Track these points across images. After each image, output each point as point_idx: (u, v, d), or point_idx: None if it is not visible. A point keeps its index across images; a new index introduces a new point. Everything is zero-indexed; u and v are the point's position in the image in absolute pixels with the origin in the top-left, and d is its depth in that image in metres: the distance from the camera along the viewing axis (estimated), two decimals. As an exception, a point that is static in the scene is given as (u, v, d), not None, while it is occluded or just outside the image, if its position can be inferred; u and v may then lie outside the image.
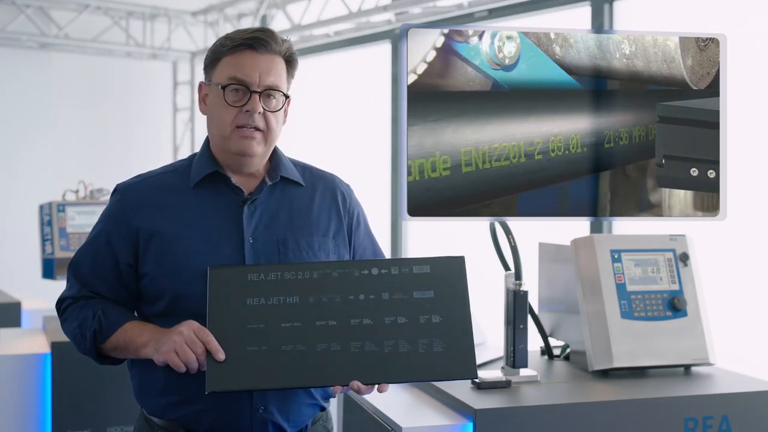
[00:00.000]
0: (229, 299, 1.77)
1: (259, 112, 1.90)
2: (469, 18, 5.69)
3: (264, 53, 1.91)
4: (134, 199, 1.95)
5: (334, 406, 2.31)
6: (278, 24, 7.38)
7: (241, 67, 1.90)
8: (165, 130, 7.99)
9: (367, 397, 2.00)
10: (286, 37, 1.97)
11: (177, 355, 1.75)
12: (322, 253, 1.98)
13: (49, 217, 4.14)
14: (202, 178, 1.96)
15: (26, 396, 3.54)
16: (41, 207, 4.20)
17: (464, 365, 1.73)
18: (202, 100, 1.99)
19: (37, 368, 3.55)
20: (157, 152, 7.96)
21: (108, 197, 4.32)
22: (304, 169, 2.13)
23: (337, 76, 7.37)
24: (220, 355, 1.73)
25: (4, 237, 7.12)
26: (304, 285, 1.79)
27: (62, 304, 1.99)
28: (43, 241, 4.13)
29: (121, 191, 1.97)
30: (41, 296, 5.58)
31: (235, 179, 1.97)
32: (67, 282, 2.00)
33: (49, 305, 5.20)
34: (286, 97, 1.96)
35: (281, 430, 1.90)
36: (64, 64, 7.61)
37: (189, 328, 1.77)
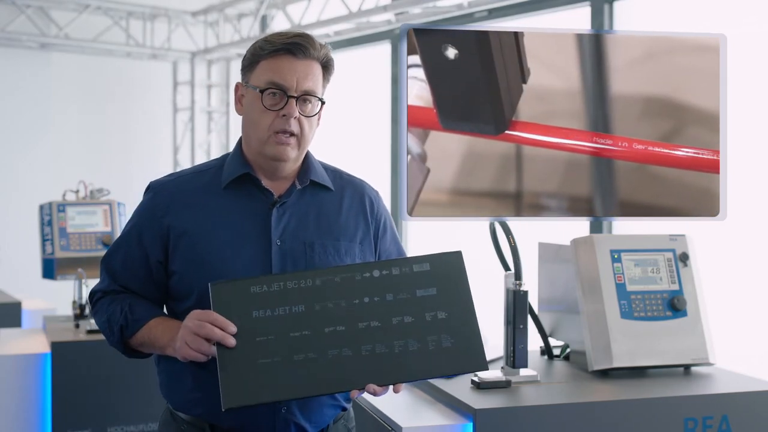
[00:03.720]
0: (235, 313, 1.76)
1: (295, 117, 1.92)
2: (469, 18, 5.69)
3: (302, 59, 1.94)
4: (166, 198, 1.96)
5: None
6: (278, 24, 7.39)
7: (280, 72, 1.92)
8: (165, 130, 7.99)
9: (367, 397, 2.01)
10: (324, 42, 1.99)
11: (190, 348, 1.75)
12: (348, 258, 2.00)
13: (50, 217, 4.14)
14: (233, 179, 1.98)
15: (26, 396, 3.54)
16: (41, 207, 4.20)
17: (474, 358, 1.75)
18: (238, 101, 2.01)
19: (37, 368, 3.55)
20: (157, 152, 7.96)
21: (108, 197, 4.35)
22: (335, 173, 2.15)
23: (337, 76, 7.36)
24: (230, 333, 1.73)
25: (5, 237, 7.12)
26: (308, 293, 1.79)
27: (93, 297, 2.02)
28: (44, 241, 4.13)
29: (154, 189, 1.99)
30: (41, 296, 5.58)
31: (265, 182, 1.99)
32: (100, 275, 2.03)
33: (50, 305, 5.20)
34: (322, 102, 1.99)
35: (303, 429, 1.92)
36: (64, 64, 7.61)
37: (192, 317, 1.78)
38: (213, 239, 1.92)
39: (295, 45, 1.92)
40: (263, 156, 1.95)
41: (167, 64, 8.03)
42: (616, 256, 2.21)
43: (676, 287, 2.23)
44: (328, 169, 2.13)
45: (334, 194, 2.08)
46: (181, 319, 1.87)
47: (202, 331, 1.74)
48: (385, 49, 6.60)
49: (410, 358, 1.73)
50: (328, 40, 6.71)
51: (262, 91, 1.91)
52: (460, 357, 1.74)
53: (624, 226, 4.81)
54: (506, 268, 2.19)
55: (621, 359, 2.13)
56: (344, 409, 2.00)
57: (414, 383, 2.15)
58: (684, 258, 2.25)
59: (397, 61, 6.45)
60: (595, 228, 4.81)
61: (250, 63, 1.96)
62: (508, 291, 2.06)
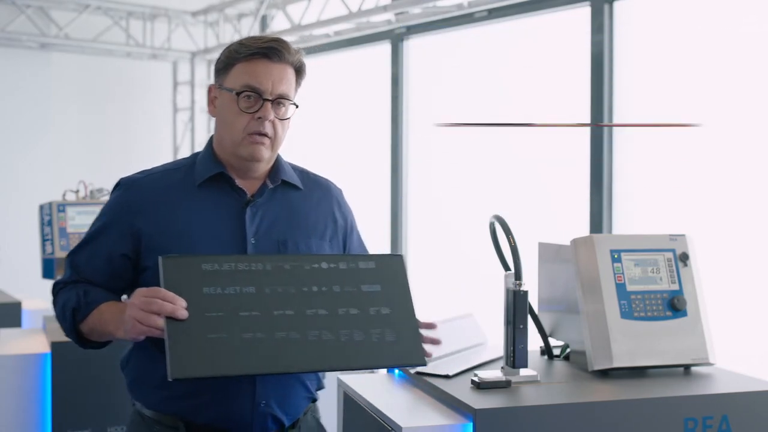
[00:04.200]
0: (186, 288, 1.77)
1: (270, 120, 1.96)
2: (469, 18, 5.69)
3: (277, 62, 1.97)
4: (139, 195, 1.98)
5: (333, 406, 2.31)
6: (278, 24, 7.38)
7: (255, 75, 1.95)
8: (165, 130, 7.99)
9: (367, 397, 2.02)
10: (298, 48, 2.03)
11: (142, 324, 1.74)
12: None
13: (50, 217, 4.14)
14: (206, 178, 2.00)
15: (26, 396, 3.54)
16: (41, 207, 4.20)
17: (415, 353, 1.89)
18: (211, 103, 2.04)
19: (37, 368, 3.55)
20: (157, 152, 7.96)
21: (108, 197, 4.34)
22: (302, 173, 2.20)
23: (337, 76, 7.37)
24: (181, 307, 1.72)
25: (5, 237, 7.12)
26: (259, 276, 1.82)
27: (55, 288, 2.04)
28: (43, 241, 4.13)
29: (126, 185, 2.01)
30: (41, 296, 5.58)
31: (238, 181, 2.02)
32: (64, 270, 2.05)
33: (50, 305, 5.20)
34: (296, 106, 2.03)
35: (279, 422, 1.97)
36: (64, 64, 7.61)
37: (138, 295, 1.78)
38: (189, 237, 1.95)
39: (270, 49, 1.96)
40: (237, 156, 1.99)
41: (167, 64, 8.03)
42: (616, 256, 2.21)
43: (676, 287, 2.23)
44: (295, 168, 2.19)
45: (303, 193, 2.13)
46: None
47: (152, 307, 1.72)
48: (385, 49, 6.60)
49: (355, 347, 1.81)
50: (328, 40, 6.71)
51: (238, 94, 1.95)
52: (402, 351, 1.87)
53: (624, 227, 4.81)
54: (506, 268, 2.19)
55: (621, 359, 2.13)
56: (314, 400, 2.09)
57: (414, 383, 2.15)
58: (684, 258, 2.25)
59: (397, 61, 6.45)
60: (595, 228, 4.82)
61: (224, 66, 1.99)
62: (508, 291, 2.05)
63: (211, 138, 2.10)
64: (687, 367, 2.21)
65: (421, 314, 2.02)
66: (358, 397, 2.08)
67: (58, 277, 2.13)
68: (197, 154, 2.11)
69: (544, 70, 5.41)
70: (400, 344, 1.87)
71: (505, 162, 5.70)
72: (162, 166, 2.10)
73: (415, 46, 6.41)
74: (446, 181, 6.20)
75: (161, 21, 7.63)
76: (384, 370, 2.29)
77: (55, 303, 2.03)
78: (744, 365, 2.52)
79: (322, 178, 2.27)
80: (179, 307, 1.72)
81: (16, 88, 7.42)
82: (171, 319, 1.72)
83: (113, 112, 7.82)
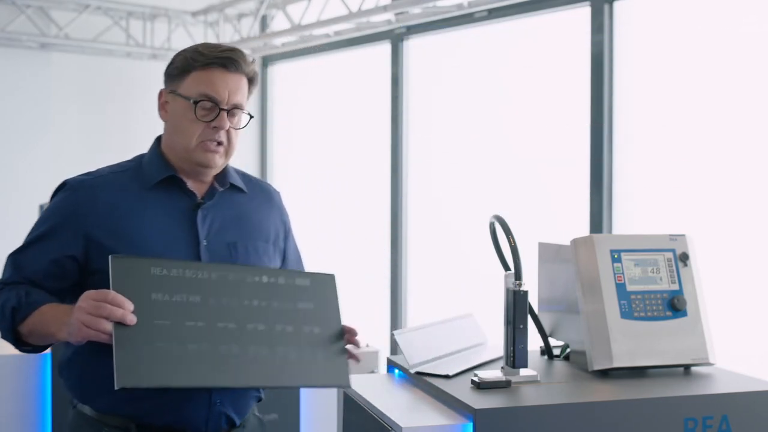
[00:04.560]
0: (135, 292, 1.75)
1: (225, 129, 2.00)
2: (469, 18, 5.69)
3: (233, 72, 2.00)
4: (88, 197, 1.98)
5: (333, 406, 2.31)
6: (278, 24, 7.39)
7: (212, 84, 1.98)
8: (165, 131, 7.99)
9: (367, 397, 2.02)
10: (252, 58, 2.09)
11: (89, 329, 1.72)
12: (266, 258, 2.11)
13: (49, 217, 4.13)
14: (157, 181, 2.03)
15: (26, 396, 3.54)
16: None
17: (341, 375, 1.93)
18: (163, 107, 2.05)
19: (37, 368, 3.55)
20: (157, 152, 7.96)
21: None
22: (244, 176, 2.24)
23: (337, 76, 7.37)
24: (129, 312, 1.70)
25: (5, 237, 7.12)
26: (205, 285, 1.82)
27: None
28: (43, 241, 4.13)
29: (73, 187, 2.00)
30: (41, 296, 5.59)
31: (189, 184, 2.05)
32: (4, 270, 2.02)
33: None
34: (250, 116, 2.07)
35: (231, 421, 2.02)
36: (64, 64, 7.60)
37: (87, 298, 1.76)
38: (142, 240, 1.95)
39: (228, 59, 1.98)
40: (190, 162, 2.02)
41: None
42: (616, 256, 2.21)
43: (676, 287, 2.23)
44: (239, 173, 2.21)
45: (248, 196, 2.16)
46: None
47: (101, 311, 1.70)
48: (385, 49, 6.60)
49: (289, 366, 1.83)
50: (328, 40, 6.71)
51: (195, 102, 1.97)
52: (329, 372, 1.90)
53: (624, 227, 4.81)
54: (506, 268, 2.19)
55: (621, 359, 2.13)
56: (260, 399, 2.14)
57: (414, 383, 2.15)
58: (684, 258, 2.25)
59: (397, 61, 6.45)
60: (595, 228, 4.82)
61: (180, 72, 2.01)
62: (508, 291, 2.05)
63: (158, 140, 2.12)
64: (687, 367, 2.21)
65: (348, 320, 2.05)
66: (358, 397, 2.08)
67: None
68: (142, 156, 2.12)
69: (544, 70, 5.41)
70: (328, 365, 1.90)
71: (505, 162, 5.70)
72: (107, 167, 2.10)
73: (415, 46, 6.41)
74: (446, 181, 6.20)
75: (161, 21, 7.62)
76: (384, 370, 2.29)
77: None
78: (744, 365, 2.52)
79: (263, 182, 2.30)
80: (128, 312, 1.70)
81: (16, 88, 7.42)
82: (119, 324, 1.70)
83: (113, 112, 7.82)
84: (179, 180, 2.04)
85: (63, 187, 2.04)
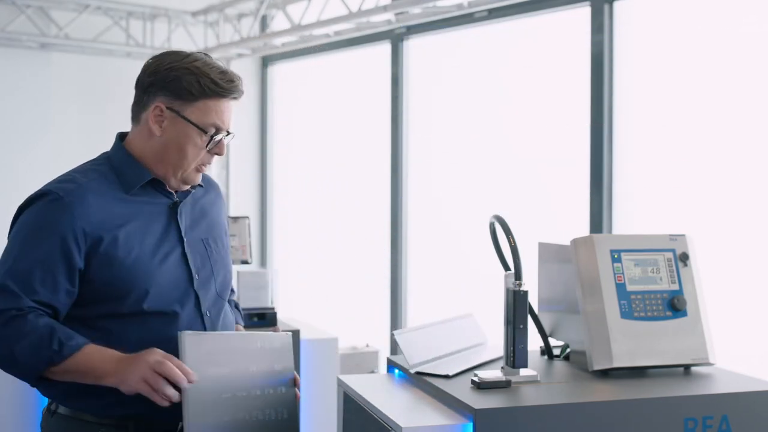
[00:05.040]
0: (201, 365, 1.89)
1: (222, 155, 2.08)
2: (469, 18, 5.69)
3: (234, 101, 2.03)
4: (80, 203, 1.92)
5: (332, 406, 2.31)
6: (278, 24, 7.39)
7: (222, 115, 1.99)
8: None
9: (367, 397, 2.02)
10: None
11: (148, 384, 1.78)
12: (225, 252, 2.17)
13: (49, 217, 4.13)
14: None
15: (26, 396, 3.54)
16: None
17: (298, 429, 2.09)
18: (157, 122, 2.00)
19: (37, 368, 3.55)
20: (157, 152, 7.96)
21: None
22: None
23: (337, 76, 7.37)
24: (195, 382, 1.82)
25: (5, 237, 7.11)
26: (248, 355, 2.01)
27: (9, 311, 1.85)
28: (43, 241, 4.12)
29: (63, 195, 1.93)
30: (41, 296, 5.58)
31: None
32: (4, 294, 1.87)
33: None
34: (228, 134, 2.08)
35: None
36: (64, 64, 7.60)
37: (155, 354, 1.81)
38: (136, 243, 1.95)
39: (239, 92, 2.01)
40: (176, 178, 2.02)
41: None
42: (616, 256, 2.21)
43: (676, 287, 2.23)
44: None
45: (204, 191, 2.17)
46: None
47: (171, 374, 1.80)
48: (385, 49, 6.60)
49: (272, 426, 2.00)
50: (328, 40, 6.71)
51: (209, 134, 1.98)
52: (290, 429, 2.06)
53: (624, 227, 4.81)
54: (506, 268, 2.19)
55: (621, 359, 2.13)
56: None
57: (414, 383, 2.15)
58: (684, 258, 2.25)
59: (397, 61, 6.45)
60: (595, 228, 4.82)
61: (188, 94, 1.96)
62: (508, 291, 2.05)
63: (123, 142, 2.09)
64: (687, 367, 2.21)
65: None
66: (358, 397, 2.08)
67: None
68: (107, 157, 2.08)
69: (544, 70, 5.41)
70: (290, 424, 2.07)
71: (505, 162, 5.70)
72: (79, 172, 2.02)
73: (415, 46, 6.41)
74: (446, 181, 6.20)
75: (161, 21, 7.62)
76: (384, 370, 2.29)
77: (6, 336, 1.84)
78: (744, 365, 2.52)
79: (208, 175, 2.28)
80: (191, 380, 1.82)
81: (16, 88, 7.42)
82: (186, 392, 1.83)
83: (113, 112, 7.80)
84: (159, 183, 2.05)
85: (46, 197, 1.96)
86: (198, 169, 2.04)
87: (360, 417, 2.08)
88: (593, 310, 2.18)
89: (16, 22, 7.00)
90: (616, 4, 4.85)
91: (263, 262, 8.10)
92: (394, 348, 5.89)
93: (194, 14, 7.69)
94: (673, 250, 2.26)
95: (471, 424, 1.81)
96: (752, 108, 4.24)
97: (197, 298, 2.04)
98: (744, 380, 2.12)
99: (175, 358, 1.81)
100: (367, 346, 6.50)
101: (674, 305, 2.20)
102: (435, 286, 6.29)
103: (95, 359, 1.85)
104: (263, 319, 3.93)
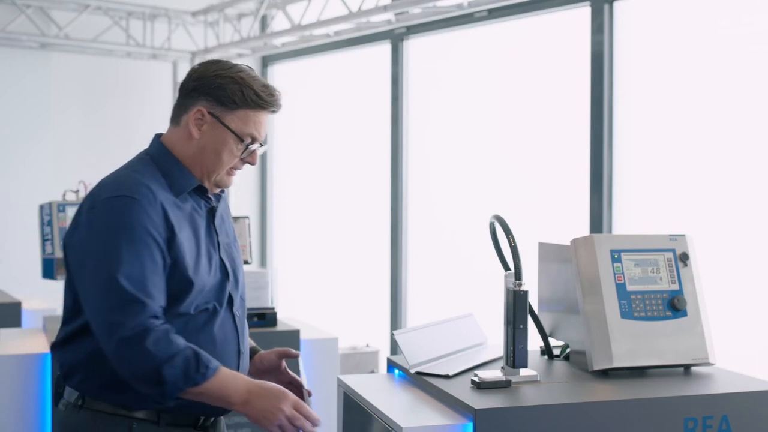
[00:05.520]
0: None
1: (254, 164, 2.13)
2: (469, 18, 5.69)
3: (272, 114, 2.10)
4: (152, 208, 1.95)
5: (333, 406, 2.31)
6: (278, 24, 7.39)
7: (260, 128, 2.06)
8: (165, 130, 7.98)
9: (367, 396, 2.02)
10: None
11: (288, 422, 1.89)
12: (240, 255, 2.22)
13: (50, 217, 4.14)
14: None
15: (26, 396, 3.54)
16: (41, 207, 4.20)
17: None
18: (196, 125, 2.04)
19: (37, 368, 3.55)
20: (157, 152, 7.95)
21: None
22: None
23: (337, 76, 7.37)
24: (319, 424, 1.91)
25: (5, 237, 7.12)
26: None
27: (151, 325, 1.86)
28: (44, 241, 4.13)
29: (139, 198, 1.94)
30: (41, 296, 5.58)
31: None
32: (134, 305, 1.86)
33: (49, 305, 5.20)
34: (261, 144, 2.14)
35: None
36: (64, 64, 7.60)
37: (289, 402, 1.90)
38: (193, 245, 2.01)
39: (278, 106, 2.07)
40: (209, 180, 2.08)
41: (167, 64, 8.03)
42: (616, 256, 2.21)
43: (676, 287, 2.23)
44: None
45: (222, 197, 2.21)
46: None
47: (296, 423, 1.90)
48: (385, 49, 6.60)
49: None
50: (328, 40, 6.71)
51: (245, 143, 2.04)
52: None
53: (624, 227, 4.81)
54: (506, 268, 2.19)
55: (621, 359, 2.13)
56: None
57: (414, 383, 2.15)
58: (684, 258, 2.25)
59: (397, 61, 6.45)
60: (595, 228, 4.82)
61: (231, 102, 2.01)
62: (508, 291, 2.05)
63: (161, 141, 2.10)
64: (687, 367, 2.21)
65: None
66: (358, 397, 2.08)
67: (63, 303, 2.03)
68: (150, 157, 2.08)
69: (544, 70, 5.41)
70: None
71: (505, 161, 5.70)
72: (139, 175, 2.01)
73: (415, 46, 6.41)
74: (446, 181, 6.20)
75: (161, 21, 7.62)
76: (384, 370, 2.29)
77: (164, 351, 1.84)
78: (744, 365, 2.52)
79: None
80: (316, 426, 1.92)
81: (16, 88, 7.42)
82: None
83: (113, 112, 7.81)
84: (204, 188, 2.09)
85: (120, 199, 1.93)
86: (230, 174, 2.10)
87: (360, 417, 2.08)
88: (593, 310, 2.18)
89: (16, 22, 7.00)
90: (616, 4, 4.85)
91: (263, 262, 8.10)
92: (394, 348, 5.89)
93: (194, 14, 7.69)
94: (673, 250, 2.26)
95: (471, 424, 1.81)
96: (752, 108, 4.24)
97: (231, 299, 2.09)
98: (744, 380, 2.12)
99: (303, 405, 1.92)
100: (367, 346, 6.50)
101: (674, 305, 2.20)
102: (435, 286, 6.29)
103: (229, 384, 1.90)
104: (263, 319, 3.93)
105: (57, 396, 2.10)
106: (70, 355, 2.04)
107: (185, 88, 2.07)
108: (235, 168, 2.09)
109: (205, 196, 2.09)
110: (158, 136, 2.14)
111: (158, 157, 2.07)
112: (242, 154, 2.05)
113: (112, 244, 1.88)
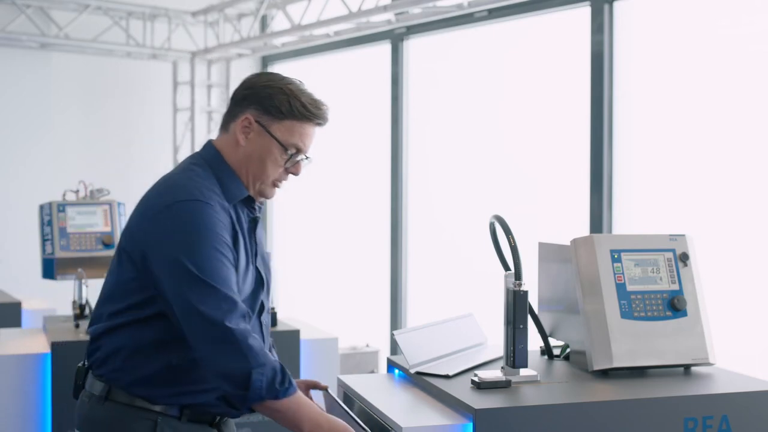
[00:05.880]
0: None
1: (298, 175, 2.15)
2: (469, 18, 5.69)
3: (319, 127, 2.13)
4: (219, 214, 2.00)
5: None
6: (278, 24, 7.39)
7: (305, 140, 2.09)
8: (165, 130, 7.99)
9: (367, 397, 2.02)
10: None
11: None
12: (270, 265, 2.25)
13: (50, 217, 4.14)
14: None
15: (26, 396, 3.54)
16: (41, 207, 4.20)
17: None
18: (244, 132, 2.08)
19: (37, 368, 3.55)
20: (157, 152, 7.96)
21: (108, 197, 4.34)
22: None
23: (337, 76, 7.37)
24: None
25: (5, 237, 7.12)
26: None
27: (244, 326, 1.92)
28: (44, 241, 4.13)
29: (212, 204, 1.99)
30: (41, 296, 5.58)
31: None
32: (234, 303, 1.92)
33: (49, 305, 5.20)
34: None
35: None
36: (64, 64, 7.60)
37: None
38: (240, 252, 2.04)
39: (324, 120, 2.12)
40: (253, 189, 2.11)
41: (167, 64, 8.03)
42: (616, 256, 2.21)
43: (676, 287, 2.23)
44: None
45: (261, 208, 2.24)
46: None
47: None
48: (385, 49, 6.60)
49: None
50: (328, 40, 6.71)
51: (289, 153, 2.07)
52: None
53: (624, 227, 4.81)
54: (506, 268, 2.19)
55: (621, 359, 2.13)
56: None
57: (414, 383, 2.15)
58: (684, 258, 2.25)
59: (397, 61, 6.45)
60: (595, 228, 4.82)
61: (278, 112, 2.05)
62: (508, 291, 2.06)
63: (221, 149, 2.11)
64: (687, 367, 2.21)
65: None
66: (358, 397, 2.08)
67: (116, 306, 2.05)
68: (208, 164, 2.09)
69: (544, 70, 5.41)
70: None
71: (505, 161, 5.70)
72: (201, 179, 2.04)
73: (415, 46, 6.41)
74: (446, 181, 6.20)
75: (161, 21, 7.62)
76: (384, 370, 2.29)
77: (247, 358, 1.89)
78: (744, 365, 2.52)
79: None
80: None
81: (16, 88, 7.42)
82: None
83: (113, 112, 7.82)
84: (252, 199, 2.12)
85: (194, 202, 1.97)
86: (274, 185, 2.12)
87: (360, 417, 2.08)
88: (593, 310, 2.18)
89: (16, 22, 7.01)
90: (616, 4, 4.85)
91: (263, 262, 8.09)
92: (394, 348, 5.89)
93: (194, 14, 7.69)
94: (673, 250, 2.26)
95: (471, 424, 1.81)
96: (752, 108, 4.24)
97: (262, 306, 2.12)
98: (744, 380, 2.12)
99: None
100: (367, 346, 6.50)
101: (674, 305, 2.20)
102: (435, 286, 6.29)
103: (304, 409, 1.91)
104: (263, 319, 3.92)
105: (77, 388, 2.11)
106: (111, 343, 2.04)
107: (236, 97, 2.12)
108: (279, 179, 2.11)
109: (250, 206, 2.12)
110: (210, 142, 2.16)
111: (212, 161, 2.10)
112: (286, 163, 2.08)
113: (199, 244, 1.92)
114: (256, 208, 2.15)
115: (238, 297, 1.93)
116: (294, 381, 1.94)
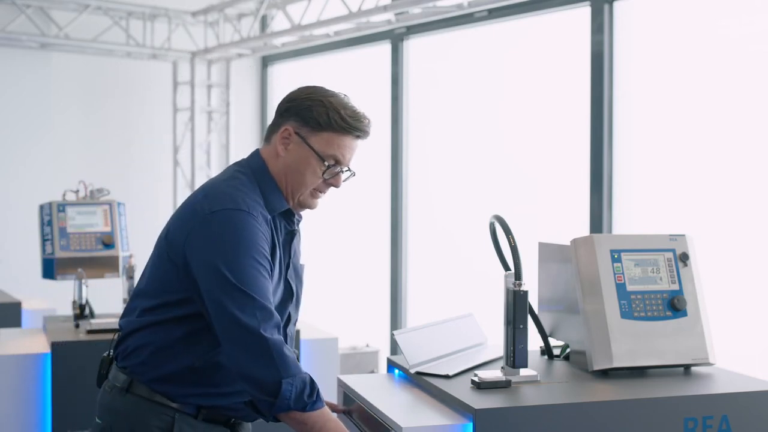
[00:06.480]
0: None
1: (338, 187, 2.16)
2: (469, 18, 5.69)
3: (362, 140, 2.14)
4: (265, 227, 2.04)
5: (333, 406, 2.31)
6: (278, 24, 7.39)
7: (344, 151, 2.10)
8: (165, 130, 7.99)
9: (367, 397, 2.02)
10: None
11: None
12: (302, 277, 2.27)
13: (50, 217, 4.14)
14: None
15: (26, 396, 3.54)
16: (41, 207, 4.20)
17: None
18: (283, 143, 2.11)
19: (37, 368, 3.55)
20: (157, 152, 7.96)
21: (108, 197, 4.34)
22: None
23: (337, 76, 7.37)
24: None
25: (5, 237, 7.12)
26: None
27: (278, 336, 1.95)
28: (44, 241, 4.13)
29: (255, 216, 2.01)
30: (41, 296, 5.58)
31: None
32: (271, 314, 1.95)
33: (49, 305, 5.20)
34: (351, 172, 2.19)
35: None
36: (64, 64, 7.60)
37: None
38: (276, 267, 2.06)
39: (363, 133, 2.12)
40: (293, 200, 2.12)
41: (167, 64, 8.03)
42: (616, 256, 2.21)
43: (676, 287, 2.23)
44: None
45: (300, 221, 2.24)
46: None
47: None
48: (385, 49, 6.60)
49: None
50: (328, 40, 6.71)
51: (327, 164, 2.08)
52: None
53: (624, 227, 4.81)
54: (506, 268, 2.19)
55: (621, 359, 2.13)
56: None
57: (414, 383, 2.15)
58: (684, 258, 2.25)
59: (397, 61, 6.45)
60: (595, 228, 4.82)
61: (316, 124, 2.08)
62: (508, 291, 2.05)
63: (266, 159, 2.12)
64: (687, 367, 2.21)
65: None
66: (358, 397, 2.08)
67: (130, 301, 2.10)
68: (253, 174, 2.11)
69: (544, 70, 5.41)
70: None
71: (505, 161, 5.70)
72: (245, 188, 2.06)
73: (415, 46, 6.41)
74: (446, 181, 6.20)
75: (161, 21, 7.62)
76: (384, 370, 2.29)
77: (278, 367, 1.91)
78: (744, 365, 2.52)
79: None
80: None
81: (16, 88, 7.42)
82: None
83: (113, 112, 7.82)
84: (291, 212, 2.13)
85: (239, 212, 1.99)
86: (314, 195, 2.13)
87: (360, 417, 2.08)
88: (593, 310, 2.18)
89: (16, 22, 7.01)
90: (616, 4, 4.85)
91: (263, 262, 8.09)
92: (394, 348, 5.89)
93: (194, 14, 7.69)
94: (673, 250, 2.26)
95: (471, 424, 1.81)
96: (752, 108, 4.24)
97: (288, 318, 2.14)
98: (744, 380, 2.12)
99: None
100: (367, 346, 6.50)
101: (674, 305, 2.20)
102: (435, 286, 6.29)
103: (329, 425, 1.92)
104: (263, 319, 3.92)
105: (101, 377, 2.16)
106: (139, 337, 2.06)
107: (279, 109, 2.14)
108: (319, 190, 2.12)
109: (288, 219, 2.13)
110: (258, 151, 2.18)
111: (257, 171, 2.12)
112: (324, 174, 2.09)
113: (239, 253, 1.95)
114: (295, 221, 2.16)
115: (273, 307, 1.95)
116: (320, 395, 1.94)
